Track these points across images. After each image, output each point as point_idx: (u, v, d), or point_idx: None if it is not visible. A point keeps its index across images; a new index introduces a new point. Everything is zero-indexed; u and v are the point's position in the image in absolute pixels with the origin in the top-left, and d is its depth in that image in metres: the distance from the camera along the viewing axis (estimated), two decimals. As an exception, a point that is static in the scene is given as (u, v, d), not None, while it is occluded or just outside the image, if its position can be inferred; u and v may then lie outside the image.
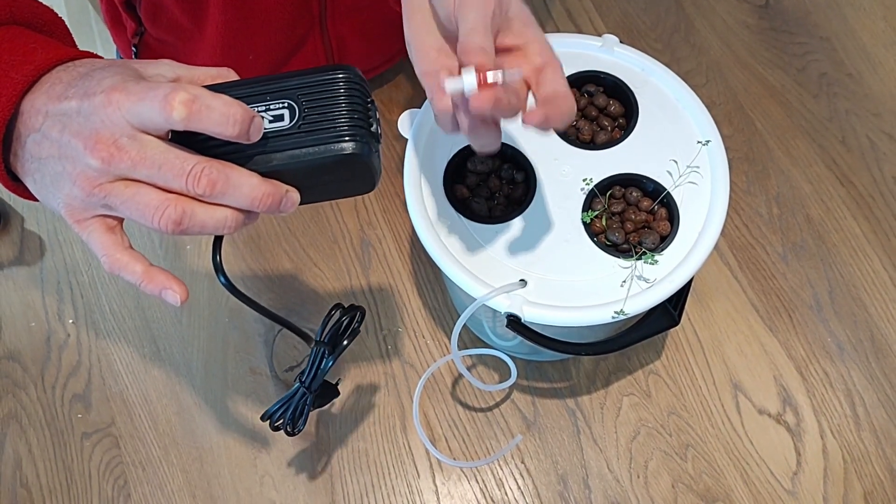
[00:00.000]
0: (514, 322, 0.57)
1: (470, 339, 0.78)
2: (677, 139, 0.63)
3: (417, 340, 0.78)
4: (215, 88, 0.43)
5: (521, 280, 0.58)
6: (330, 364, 0.59)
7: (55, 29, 0.50)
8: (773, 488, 0.71)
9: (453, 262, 0.58)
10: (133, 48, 0.78)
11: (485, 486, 0.72)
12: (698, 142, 0.62)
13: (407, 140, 0.63)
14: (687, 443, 0.73)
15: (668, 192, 0.60)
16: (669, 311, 0.62)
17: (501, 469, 0.73)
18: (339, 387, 0.67)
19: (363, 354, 0.77)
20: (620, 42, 0.66)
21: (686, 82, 0.64)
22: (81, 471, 0.74)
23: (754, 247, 0.81)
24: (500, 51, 0.49)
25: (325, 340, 0.60)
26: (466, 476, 0.73)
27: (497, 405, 0.75)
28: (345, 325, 0.60)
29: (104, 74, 0.41)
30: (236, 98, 0.41)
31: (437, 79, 0.45)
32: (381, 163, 0.45)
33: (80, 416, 0.76)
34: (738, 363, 0.76)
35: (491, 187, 0.63)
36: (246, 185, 0.41)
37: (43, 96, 0.42)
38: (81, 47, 0.48)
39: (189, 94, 0.39)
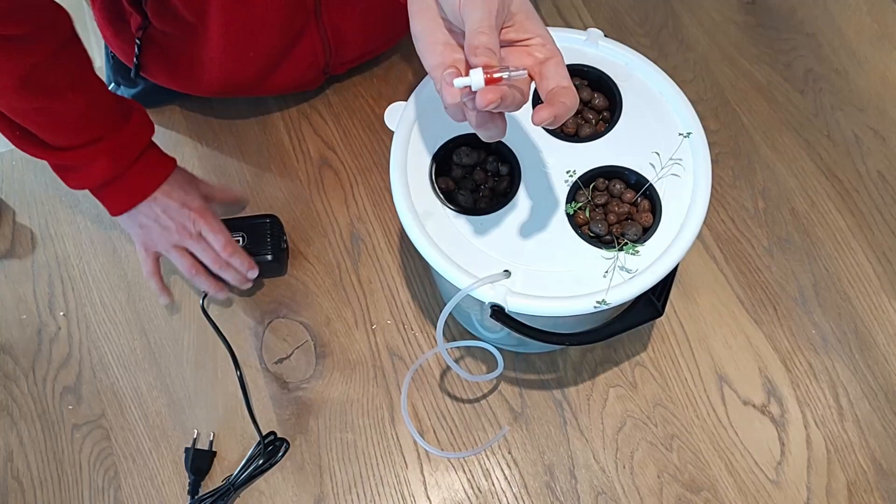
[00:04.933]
0: (498, 312, 0.58)
1: (458, 331, 0.79)
2: (660, 131, 0.63)
3: (406, 333, 0.79)
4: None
5: (506, 271, 0.59)
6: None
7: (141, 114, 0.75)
8: (757, 478, 0.72)
9: (439, 253, 0.59)
10: (136, 41, 0.80)
11: (472, 476, 0.73)
12: (680, 134, 0.63)
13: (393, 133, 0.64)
14: (672, 434, 0.74)
15: (651, 184, 0.61)
16: (653, 302, 0.62)
17: (488, 459, 0.74)
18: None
19: (352, 346, 0.78)
20: (606, 37, 0.67)
21: (673, 78, 0.65)
22: (72, 462, 0.75)
23: (740, 240, 0.82)
24: (504, 44, 0.50)
25: (235, 483, 0.72)
26: (454, 467, 0.73)
27: (484, 396, 0.76)
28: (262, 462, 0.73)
29: (190, 197, 0.78)
30: None
31: (445, 73, 0.47)
32: (288, 261, 0.83)
33: (70, 408, 0.77)
34: (724, 355, 0.77)
35: (476, 180, 0.63)
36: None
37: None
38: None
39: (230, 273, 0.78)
